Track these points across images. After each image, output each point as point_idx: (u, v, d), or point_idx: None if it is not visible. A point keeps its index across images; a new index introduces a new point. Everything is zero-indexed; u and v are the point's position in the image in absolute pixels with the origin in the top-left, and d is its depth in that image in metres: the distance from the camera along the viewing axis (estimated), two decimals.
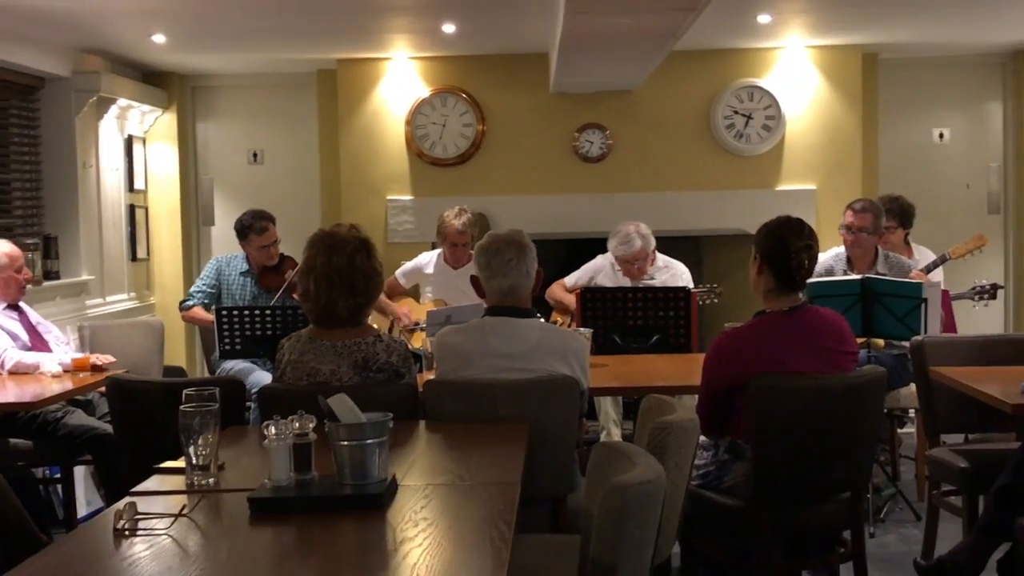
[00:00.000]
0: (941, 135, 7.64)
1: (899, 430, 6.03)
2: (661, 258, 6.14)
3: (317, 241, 3.55)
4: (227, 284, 6.06)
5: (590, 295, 5.34)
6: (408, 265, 6.46)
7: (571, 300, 6.01)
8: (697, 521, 3.61)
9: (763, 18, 6.17)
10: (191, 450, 2.67)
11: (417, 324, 5.77)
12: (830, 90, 7.15)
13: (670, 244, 6.47)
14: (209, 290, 6.06)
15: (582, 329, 4.71)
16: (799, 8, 6.11)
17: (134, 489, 2.69)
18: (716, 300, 6.09)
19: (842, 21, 6.44)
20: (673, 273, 6.11)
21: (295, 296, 5.85)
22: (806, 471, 3.55)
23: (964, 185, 7.62)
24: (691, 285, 6.03)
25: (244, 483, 2.65)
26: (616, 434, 6.07)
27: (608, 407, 6.14)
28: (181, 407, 2.66)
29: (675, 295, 5.28)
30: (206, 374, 6.49)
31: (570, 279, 6.33)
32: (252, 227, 5.98)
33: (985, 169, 7.62)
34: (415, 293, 6.50)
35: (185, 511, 2.45)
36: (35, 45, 6.12)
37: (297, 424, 2.59)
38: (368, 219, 6.94)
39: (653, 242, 6.01)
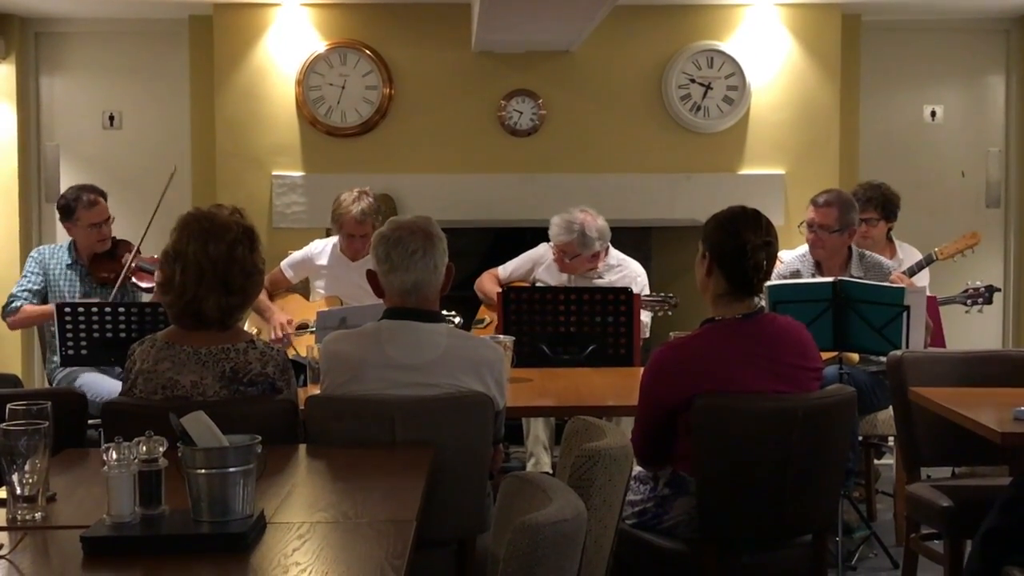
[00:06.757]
0: (933, 113, 7.79)
1: (876, 461, 6.14)
2: (615, 255, 6.21)
3: (192, 222, 3.55)
4: (53, 280, 6.00)
5: (514, 295, 5.37)
6: (296, 255, 6.42)
7: None
8: (632, 567, 3.65)
9: None
10: (15, 478, 2.66)
11: (305, 326, 5.75)
12: (804, 57, 7.25)
13: (613, 238, 6.51)
14: (36, 288, 5.99)
15: (502, 336, 4.74)
16: None
17: None
18: (670, 312, 6.12)
19: None
20: (625, 274, 6.17)
21: (140, 284, 5.83)
22: (760, 509, 3.60)
23: (959, 173, 7.79)
24: (646, 290, 6.08)
25: (79, 519, 2.63)
26: (546, 462, 6.12)
27: (539, 430, 6.18)
28: (2, 426, 2.65)
29: (615, 297, 5.32)
30: (46, 384, 6.40)
31: (505, 269, 6.40)
32: (80, 200, 5.95)
33: (984, 155, 7.79)
34: (305, 289, 6.47)
35: (5, 552, 2.42)
36: None
37: (144, 448, 2.58)
38: (249, 199, 6.87)
39: (598, 245, 6.07)
